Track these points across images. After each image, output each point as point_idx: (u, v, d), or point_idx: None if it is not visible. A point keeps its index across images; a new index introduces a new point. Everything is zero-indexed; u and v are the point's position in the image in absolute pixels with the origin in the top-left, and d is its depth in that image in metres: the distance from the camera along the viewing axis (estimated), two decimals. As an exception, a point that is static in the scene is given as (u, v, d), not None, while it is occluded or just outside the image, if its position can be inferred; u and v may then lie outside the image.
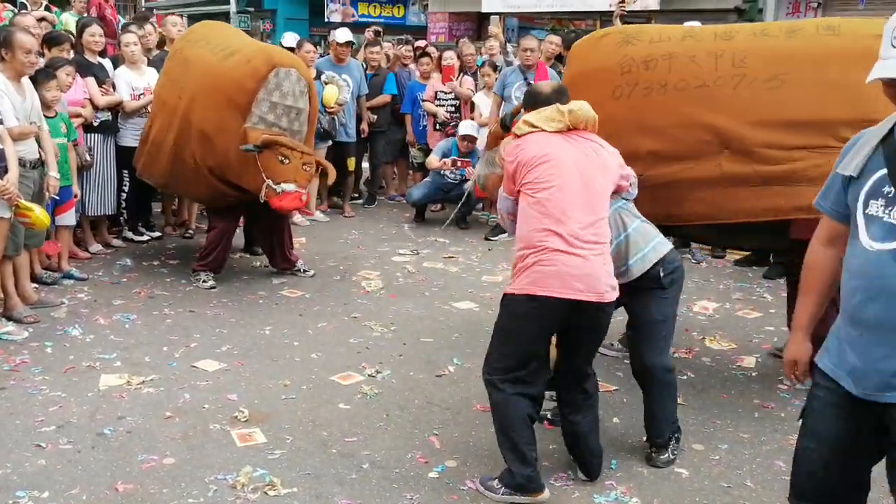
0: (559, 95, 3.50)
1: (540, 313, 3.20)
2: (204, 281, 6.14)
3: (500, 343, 3.33)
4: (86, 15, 8.40)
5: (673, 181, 4.28)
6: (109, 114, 6.82)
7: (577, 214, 3.18)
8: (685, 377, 4.70)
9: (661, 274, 3.60)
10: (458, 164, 8.06)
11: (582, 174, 3.24)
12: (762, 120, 4.09)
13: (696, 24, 7.80)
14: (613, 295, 3.27)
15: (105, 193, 6.87)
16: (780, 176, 4.09)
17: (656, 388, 3.70)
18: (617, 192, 3.55)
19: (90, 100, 6.62)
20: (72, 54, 6.54)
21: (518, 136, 3.35)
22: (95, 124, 6.70)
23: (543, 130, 3.30)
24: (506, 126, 4.71)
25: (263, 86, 5.57)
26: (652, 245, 3.63)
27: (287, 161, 5.52)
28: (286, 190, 5.47)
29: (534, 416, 3.37)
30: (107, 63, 7.05)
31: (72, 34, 6.95)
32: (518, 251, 3.26)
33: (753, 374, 4.80)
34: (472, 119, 8.68)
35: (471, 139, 7.94)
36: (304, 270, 6.44)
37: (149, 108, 6.71)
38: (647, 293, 3.65)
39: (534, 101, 3.54)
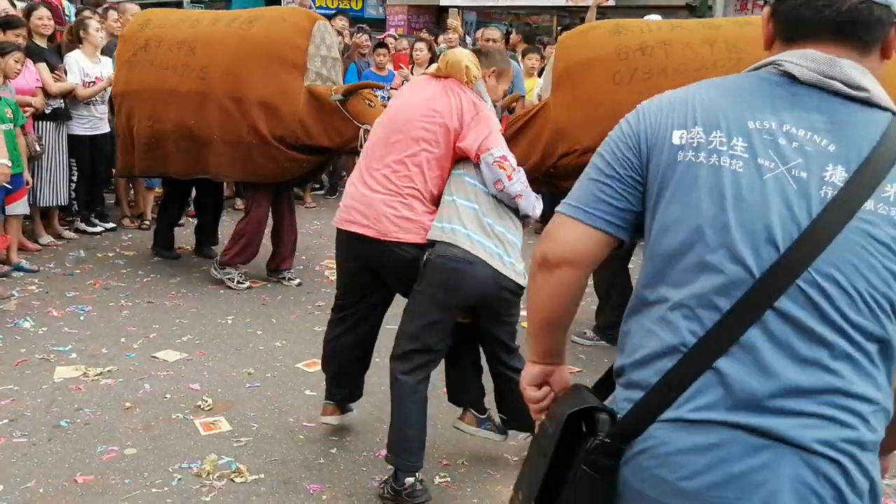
0: (501, 56, 3.55)
1: (338, 242, 3.40)
2: (237, 281, 5.79)
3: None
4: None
5: None
6: (62, 101, 6.60)
7: (377, 152, 3.25)
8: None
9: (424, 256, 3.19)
10: None
11: (404, 115, 3.23)
12: None
13: (656, 17, 7.90)
14: (399, 236, 3.16)
15: (57, 183, 6.64)
16: None
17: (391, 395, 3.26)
18: (463, 158, 3.23)
19: (42, 87, 6.40)
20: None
21: None
22: (47, 112, 6.47)
23: (429, 75, 3.38)
24: (499, 117, 4.73)
25: (311, 41, 5.41)
26: (441, 226, 3.16)
27: (373, 104, 5.38)
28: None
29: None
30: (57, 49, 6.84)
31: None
32: None
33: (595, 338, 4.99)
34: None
35: None
36: (290, 279, 6.02)
37: (119, 106, 5.97)
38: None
39: (482, 56, 3.45)
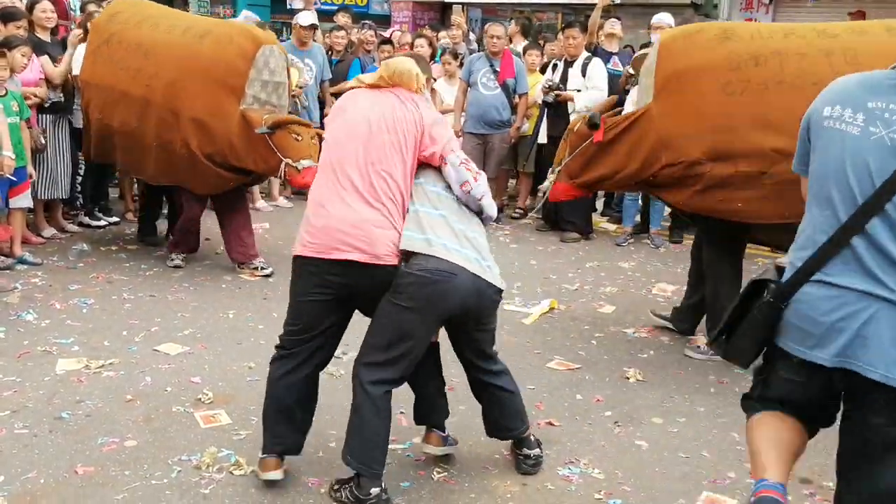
0: (418, 61, 3.30)
1: (304, 272, 3.13)
2: (172, 259, 6.11)
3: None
4: None
5: (799, 178, 4.20)
6: (61, 95, 6.60)
7: (347, 168, 3.04)
8: (645, 355, 4.83)
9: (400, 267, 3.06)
10: None
11: (367, 128, 3.06)
12: None
13: (667, 16, 7.90)
14: (392, 259, 3.01)
15: (58, 176, 6.66)
16: None
17: (353, 402, 3.16)
18: (428, 163, 3.18)
19: (45, 79, 6.42)
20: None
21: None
22: (47, 105, 6.48)
23: (365, 85, 3.23)
24: (595, 124, 4.57)
25: (253, 65, 5.45)
26: (414, 236, 3.06)
27: (300, 138, 5.40)
28: (306, 166, 5.31)
29: None
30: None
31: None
32: None
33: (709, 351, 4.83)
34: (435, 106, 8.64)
35: None
36: (262, 268, 6.08)
37: (82, 92, 6.13)
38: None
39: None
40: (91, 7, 7.25)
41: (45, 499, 3.08)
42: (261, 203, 8.07)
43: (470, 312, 3.13)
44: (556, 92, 7.52)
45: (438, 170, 3.19)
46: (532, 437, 3.46)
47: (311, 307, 3.11)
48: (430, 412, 3.48)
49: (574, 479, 3.39)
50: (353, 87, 3.27)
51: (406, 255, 3.02)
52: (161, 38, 5.73)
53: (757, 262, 7.00)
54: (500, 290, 3.18)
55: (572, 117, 7.29)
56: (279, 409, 3.18)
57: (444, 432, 3.50)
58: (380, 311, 3.07)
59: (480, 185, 3.17)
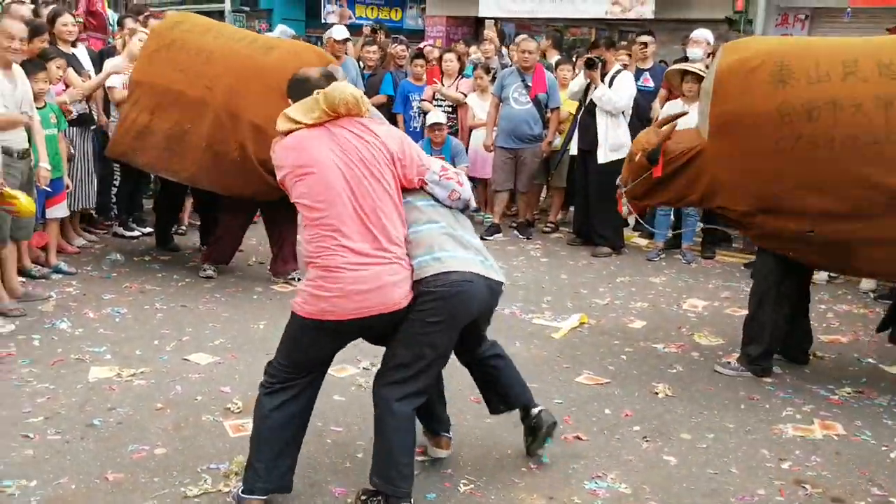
0: (328, 80, 3.14)
1: (317, 331, 3.01)
2: (205, 269, 6.18)
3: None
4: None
5: (847, 239, 4.15)
6: (87, 106, 6.72)
7: (346, 227, 2.90)
8: (674, 370, 4.78)
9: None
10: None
11: (348, 179, 2.92)
12: None
13: (706, 32, 7.85)
14: (406, 299, 2.98)
15: (84, 187, 6.78)
16: None
17: (378, 423, 3.14)
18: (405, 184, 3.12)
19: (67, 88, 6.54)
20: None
21: (282, 135, 3.05)
22: (73, 117, 6.56)
23: (303, 125, 2.99)
24: (654, 159, 4.60)
25: None
26: (424, 260, 3.05)
27: None
28: None
29: None
30: (82, 54, 7.04)
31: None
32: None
33: (740, 368, 4.76)
34: (469, 121, 8.68)
35: (438, 127, 7.82)
36: (298, 279, 6.09)
37: (131, 92, 6.15)
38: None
39: (301, 89, 3.15)
40: (128, 22, 7.40)
41: (76, 504, 3.12)
42: None
43: (484, 313, 3.24)
44: (596, 57, 7.46)
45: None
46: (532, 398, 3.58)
47: (317, 356, 3.10)
48: (437, 420, 3.52)
49: (601, 493, 3.36)
50: (289, 130, 3.00)
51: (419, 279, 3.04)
52: (225, 45, 5.85)
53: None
54: (503, 283, 3.25)
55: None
56: (275, 443, 3.04)
57: (449, 434, 3.54)
58: (404, 330, 3.04)
59: (466, 188, 3.22)
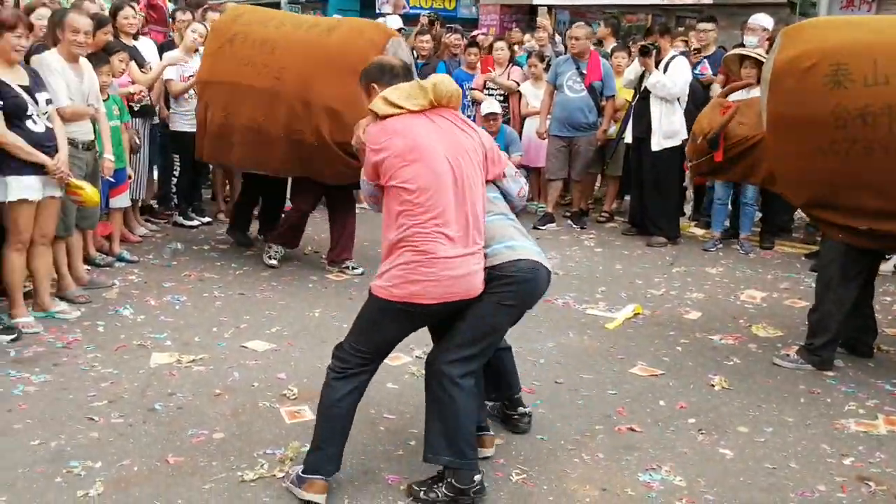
0: (409, 70, 3.24)
1: (403, 315, 3.06)
2: (270, 256, 6.26)
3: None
4: None
5: None
6: (148, 98, 6.86)
7: (447, 215, 2.95)
8: (731, 363, 4.72)
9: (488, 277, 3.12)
10: None
11: (453, 167, 2.98)
12: None
13: (766, 17, 7.67)
14: (483, 285, 3.09)
15: (143, 178, 6.97)
16: None
17: (442, 400, 3.16)
18: (488, 178, 3.23)
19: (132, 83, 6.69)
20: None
21: (380, 118, 3.06)
22: (136, 108, 6.71)
23: (405, 110, 3.01)
24: (715, 144, 4.68)
25: (384, 55, 5.55)
26: (499, 248, 3.16)
27: None
28: None
29: None
30: (151, 47, 7.18)
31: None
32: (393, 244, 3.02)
33: (800, 360, 4.67)
34: (521, 108, 8.65)
35: (493, 117, 7.79)
36: (353, 268, 6.23)
37: (196, 95, 6.41)
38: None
39: (389, 74, 3.20)
40: (179, 15, 7.53)
41: (138, 486, 3.21)
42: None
43: (534, 304, 3.32)
44: (650, 43, 7.40)
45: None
46: (522, 396, 3.75)
47: (394, 338, 3.17)
48: (482, 415, 3.53)
49: (655, 485, 3.33)
50: (391, 114, 3.02)
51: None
52: (288, 33, 5.88)
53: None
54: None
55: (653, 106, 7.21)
56: (343, 428, 3.14)
57: (490, 431, 3.57)
58: (475, 311, 3.10)
59: (527, 185, 3.44)
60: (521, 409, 3.72)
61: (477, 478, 3.12)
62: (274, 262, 6.25)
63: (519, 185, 3.41)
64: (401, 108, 3.01)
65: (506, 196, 3.40)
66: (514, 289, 3.11)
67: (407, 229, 2.96)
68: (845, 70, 4.06)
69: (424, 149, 2.95)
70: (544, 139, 8.09)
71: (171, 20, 8.37)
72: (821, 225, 4.72)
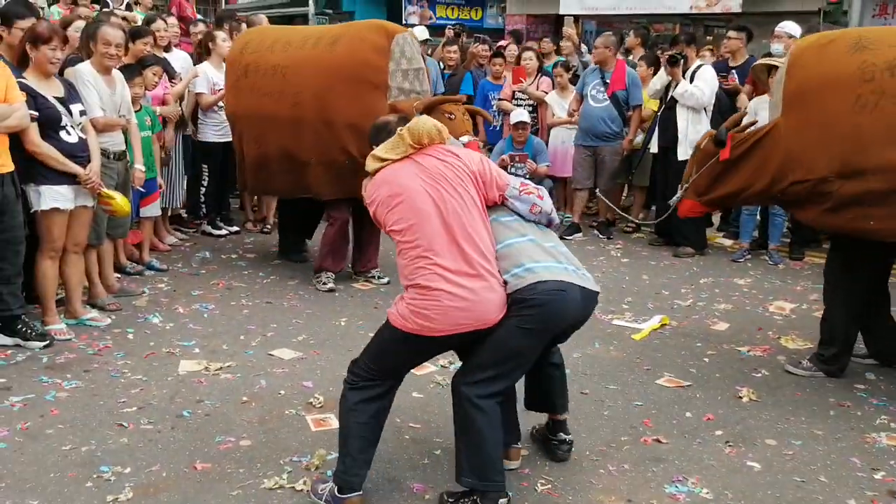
0: (405, 121, 3.28)
1: (418, 345, 3.07)
2: (324, 283, 6.01)
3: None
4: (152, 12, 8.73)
5: None
6: (181, 108, 6.97)
7: (440, 247, 2.97)
8: (759, 375, 4.67)
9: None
10: (517, 158, 7.83)
11: (435, 201, 3.01)
12: None
13: (793, 24, 7.61)
14: (500, 313, 3.04)
15: (175, 188, 7.09)
16: None
17: (464, 421, 3.14)
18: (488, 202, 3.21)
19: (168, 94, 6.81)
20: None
21: (371, 174, 3.18)
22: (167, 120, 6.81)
23: (391, 161, 3.12)
24: (721, 141, 4.49)
25: (391, 57, 5.54)
26: (516, 273, 3.09)
27: (454, 116, 5.43)
28: (465, 142, 5.16)
29: None
30: (184, 58, 7.34)
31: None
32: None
33: (812, 368, 4.65)
34: (547, 118, 8.65)
35: (523, 126, 7.79)
36: (379, 277, 6.25)
37: (232, 126, 6.42)
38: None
39: (383, 132, 3.29)
40: (192, 28, 7.70)
41: (167, 492, 3.24)
42: None
43: (577, 322, 3.20)
44: (677, 53, 7.37)
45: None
46: (567, 422, 3.60)
47: (405, 365, 3.21)
48: (511, 427, 3.48)
49: (681, 497, 3.30)
50: (378, 168, 3.14)
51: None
52: (295, 55, 5.87)
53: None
54: (597, 293, 3.23)
55: (681, 116, 7.16)
56: (363, 437, 3.13)
57: (518, 444, 3.54)
58: (497, 334, 3.06)
59: (546, 200, 3.27)
60: (561, 436, 3.58)
61: (502, 502, 3.09)
62: (330, 284, 6.03)
63: (528, 204, 3.23)
64: (385, 160, 3.14)
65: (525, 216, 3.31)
66: (533, 312, 3.02)
67: (405, 268, 3.04)
68: (867, 39, 4.12)
69: (405, 189, 3.04)
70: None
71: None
72: (831, 215, 4.31)
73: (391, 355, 3.14)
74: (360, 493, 3.15)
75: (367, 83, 5.55)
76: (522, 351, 3.10)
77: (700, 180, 4.67)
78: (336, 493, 3.13)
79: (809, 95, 4.18)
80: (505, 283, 3.05)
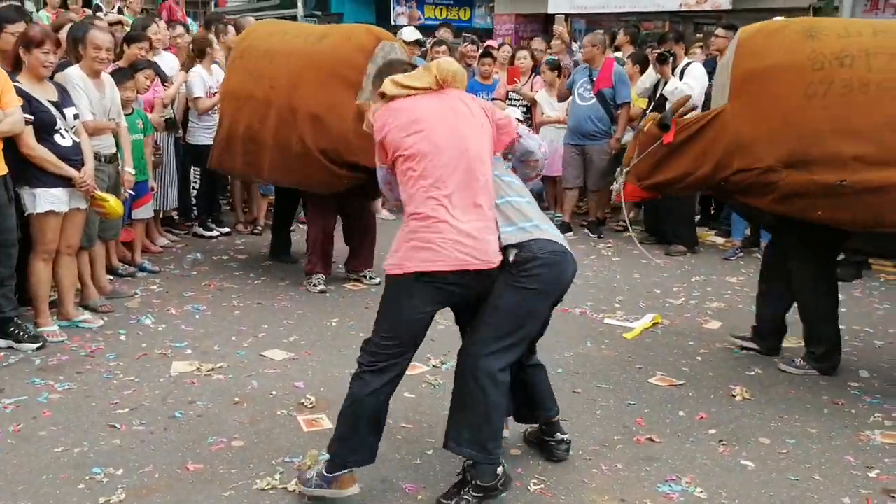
0: (412, 68, 3.30)
1: (421, 291, 3.03)
2: (315, 284, 6.00)
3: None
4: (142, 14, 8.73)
5: (882, 186, 3.91)
6: (172, 112, 6.96)
7: (452, 181, 2.98)
8: (752, 373, 4.67)
9: (511, 259, 3.13)
10: (509, 157, 7.84)
11: (460, 137, 3.03)
12: None
13: (782, 20, 7.61)
14: (498, 258, 3.08)
15: (169, 189, 7.08)
16: None
17: (475, 393, 3.14)
18: (498, 149, 3.29)
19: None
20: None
21: (385, 99, 3.13)
22: (165, 118, 6.83)
23: (412, 90, 3.09)
24: (665, 125, 4.44)
25: (372, 60, 5.54)
26: (520, 227, 3.18)
27: None
28: None
29: None
30: (174, 61, 7.31)
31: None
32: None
33: (806, 366, 4.66)
34: (536, 116, 8.66)
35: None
36: (371, 278, 6.24)
37: (217, 107, 6.65)
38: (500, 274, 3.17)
39: (393, 67, 3.33)
40: (170, 31, 7.74)
41: (159, 493, 3.24)
42: (385, 213, 8.17)
43: (562, 293, 3.29)
44: (666, 51, 7.41)
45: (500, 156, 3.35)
46: (560, 421, 3.59)
47: (419, 322, 3.07)
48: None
49: (675, 497, 3.31)
50: (398, 95, 3.09)
51: (516, 246, 3.13)
52: (287, 44, 5.94)
53: (880, 278, 6.70)
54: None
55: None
56: (370, 420, 3.11)
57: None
58: (503, 300, 3.11)
59: (544, 150, 3.49)
60: (558, 436, 3.57)
61: (499, 471, 3.14)
62: (321, 286, 6.03)
63: (538, 141, 3.43)
64: (407, 87, 3.09)
65: (524, 164, 3.45)
66: (544, 271, 3.09)
67: (412, 197, 3.01)
68: (818, 27, 4.16)
69: (426, 122, 3.02)
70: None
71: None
72: (777, 204, 4.29)
73: (400, 312, 3.03)
74: (351, 471, 3.13)
75: (342, 79, 5.56)
76: (533, 312, 3.17)
77: (642, 164, 4.60)
78: (325, 472, 3.13)
79: (758, 82, 4.16)
80: (505, 237, 3.12)
